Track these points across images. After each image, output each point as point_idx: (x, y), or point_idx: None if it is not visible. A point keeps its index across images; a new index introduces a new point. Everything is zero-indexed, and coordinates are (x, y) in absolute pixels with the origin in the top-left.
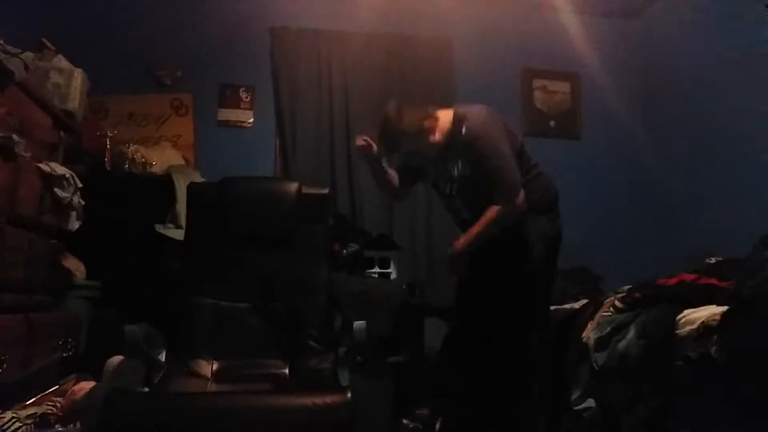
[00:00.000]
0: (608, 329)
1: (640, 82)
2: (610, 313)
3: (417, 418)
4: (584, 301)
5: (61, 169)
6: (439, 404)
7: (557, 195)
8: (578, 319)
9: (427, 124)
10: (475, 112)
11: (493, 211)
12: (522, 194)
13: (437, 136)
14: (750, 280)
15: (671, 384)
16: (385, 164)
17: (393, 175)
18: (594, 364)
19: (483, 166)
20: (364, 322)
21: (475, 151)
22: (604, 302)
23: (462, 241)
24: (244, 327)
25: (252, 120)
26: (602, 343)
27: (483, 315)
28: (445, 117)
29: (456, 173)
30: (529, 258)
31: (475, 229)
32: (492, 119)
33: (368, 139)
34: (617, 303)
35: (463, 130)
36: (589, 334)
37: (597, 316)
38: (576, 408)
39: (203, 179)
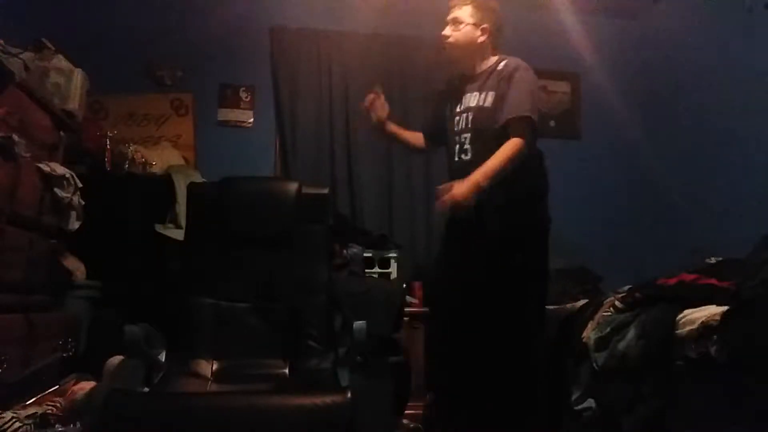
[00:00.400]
0: (608, 329)
1: (640, 82)
2: (610, 313)
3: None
4: (584, 301)
5: (61, 169)
6: (438, 402)
7: None
8: (578, 319)
9: (480, 39)
10: (519, 60)
11: (511, 144)
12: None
13: (476, 62)
14: (750, 280)
15: (671, 384)
16: (394, 128)
17: (412, 134)
18: (594, 364)
19: (509, 96)
20: (364, 322)
21: (508, 80)
22: (604, 302)
23: (480, 173)
24: (244, 327)
25: (252, 120)
26: (602, 343)
27: (490, 309)
28: (492, 58)
29: (478, 103)
30: (539, 247)
31: (493, 162)
32: (532, 71)
33: (374, 95)
34: (617, 303)
35: (503, 63)
36: (589, 334)
37: (597, 316)
38: (576, 408)
39: (203, 179)
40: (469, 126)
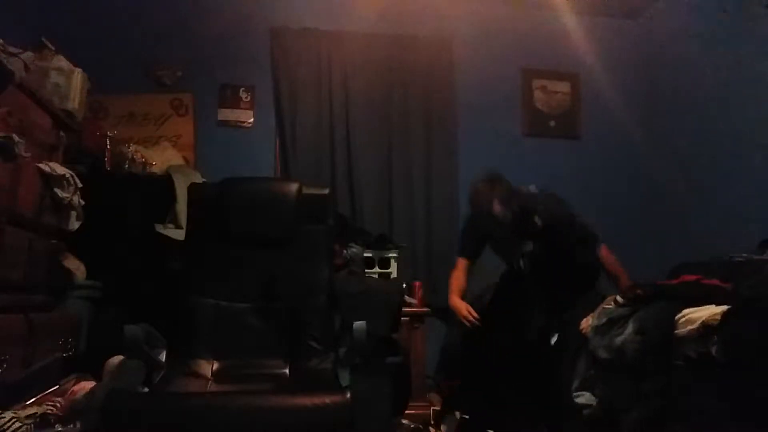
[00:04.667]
0: (605, 320)
1: (640, 83)
2: (611, 306)
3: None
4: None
5: (61, 169)
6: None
7: None
8: (577, 313)
9: None
10: None
11: None
12: None
13: None
14: (750, 280)
15: (671, 384)
16: None
17: None
18: (593, 352)
19: None
20: (364, 322)
21: None
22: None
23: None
24: (244, 327)
25: (252, 120)
26: (599, 332)
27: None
28: None
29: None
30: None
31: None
32: None
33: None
34: (619, 298)
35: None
36: (589, 323)
37: (598, 309)
38: (575, 401)
39: (203, 179)
40: None
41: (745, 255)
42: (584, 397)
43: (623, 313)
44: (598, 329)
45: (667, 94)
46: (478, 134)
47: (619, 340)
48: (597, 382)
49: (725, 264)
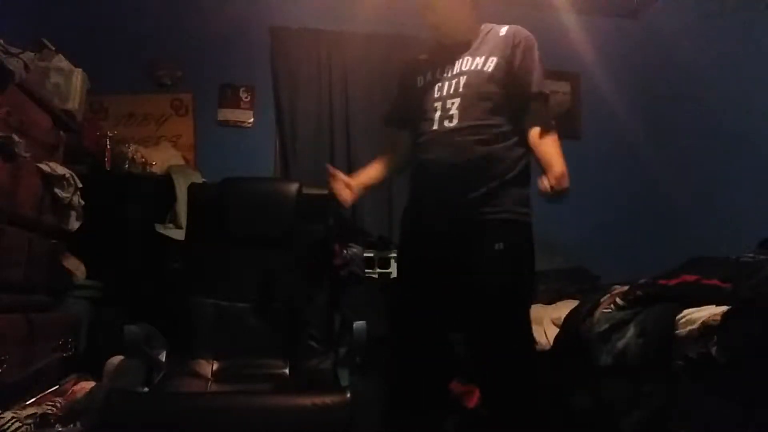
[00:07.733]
0: (607, 326)
1: (640, 82)
2: (610, 311)
3: None
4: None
5: (61, 169)
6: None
7: None
8: (575, 316)
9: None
10: (520, 27)
11: (554, 139)
12: None
13: (464, 27)
14: (750, 280)
15: (671, 384)
16: (359, 186)
17: (373, 169)
18: (594, 361)
19: (531, 67)
20: (364, 322)
21: (524, 50)
22: (602, 300)
23: (559, 162)
24: (244, 327)
25: (252, 120)
26: (601, 339)
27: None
28: (481, 25)
29: (475, 67)
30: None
31: (556, 153)
32: None
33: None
34: (618, 300)
35: (505, 29)
36: (589, 329)
37: (596, 313)
38: (575, 407)
39: (203, 179)
40: (460, 90)
41: (751, 255)
42: (582, 400)
43: (624, 317)
44: (600, 336)
45: (667, 94)
46: None
47: (621, 344)
48: (597, 387)
49: (732, 264)
